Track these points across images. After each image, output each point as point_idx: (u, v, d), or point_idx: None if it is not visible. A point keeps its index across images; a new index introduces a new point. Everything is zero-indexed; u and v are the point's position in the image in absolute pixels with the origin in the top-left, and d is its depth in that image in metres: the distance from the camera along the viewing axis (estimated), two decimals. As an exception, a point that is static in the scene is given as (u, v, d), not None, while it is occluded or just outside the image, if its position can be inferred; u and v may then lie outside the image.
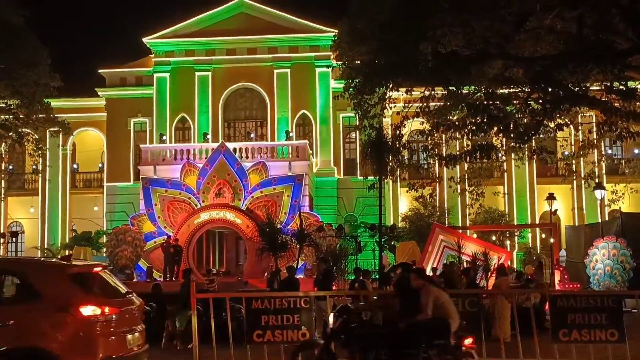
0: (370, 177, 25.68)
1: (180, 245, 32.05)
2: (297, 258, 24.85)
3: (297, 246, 25.14)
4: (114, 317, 9.31)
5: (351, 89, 24.55)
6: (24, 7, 26.81)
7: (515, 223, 39.86)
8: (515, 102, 19.79)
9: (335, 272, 22.44)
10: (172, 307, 17.83)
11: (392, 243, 32.73)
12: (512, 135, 19.82)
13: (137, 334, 9.84)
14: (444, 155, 26.16)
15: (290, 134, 39.92)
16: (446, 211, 39.39)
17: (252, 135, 41.49)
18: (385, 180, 26.59)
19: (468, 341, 10.11)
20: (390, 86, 24.50)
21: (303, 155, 36.93)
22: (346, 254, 25.65)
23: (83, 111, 42.53)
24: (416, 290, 10.10)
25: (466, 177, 27.51)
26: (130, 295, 10.25)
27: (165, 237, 32.93)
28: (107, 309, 9.23)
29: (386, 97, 25.06)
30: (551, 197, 32.37)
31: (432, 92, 23.85)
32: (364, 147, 25.90)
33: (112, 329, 9.29)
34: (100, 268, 10.24)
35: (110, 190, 42.28)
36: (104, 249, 36.38)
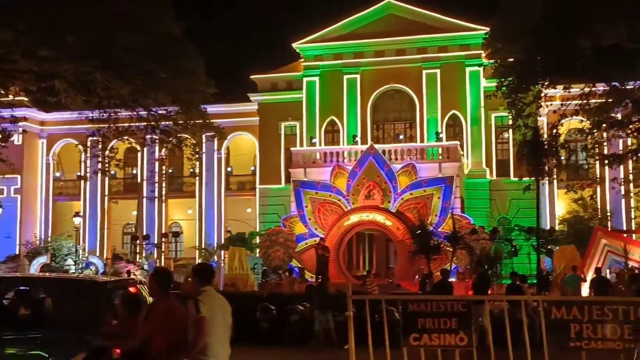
0: (526, 178, 24.83)
1: (327, 246, 32.32)
2: (450, 261, 24.38)
3: (450, 249, 24.69)
4: None
5: (504, 88, 23.97)
6: (182, 19, 28.04)
7: (689, 226, 37.03)
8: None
9: (490, 276, 21.79)
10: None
11: (549, 247, 31.38)
12: (684, 132, 18.50)
13: None
14: (606, 154, 24.88)
15: (440, 135, 39.34)
16: (608, 214, 37.25)
17: (400, 137, 41.24)
18: (542, 182, 25.58)
19: None
20: (546, 84, 23.66)
21: (454, 156, 36.26)
22: (501, 258, 24.91)
23: (236, 116, 43.81)
24: None
25: (631, 177, 25.99)
26: None
27: (318, 238, 33.35)
28: None
29: (542, 95, 24.21)
30: None
31: (593, 89, 22.77)
32: (518, 147, 25.09)
33: None
34: None
35: (262, 192, 43.46)
36: (258, 250, 37.44)
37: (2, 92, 24.76)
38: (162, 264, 41.87)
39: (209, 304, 7.39)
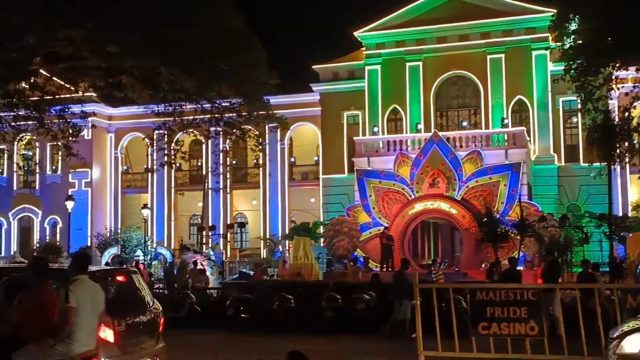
0: (597, 164, 24.20)
1: (391, 235, 32.17)
2: (518, 249, 23.90)
3: (517, 237, 24.23)
4: None
5: (572, 71, 23.39)
6: (243, 10, 28.22)
7: None
8: None
9: (560, 264, 21.27)
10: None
11: (622, 234, 30.51)
12: None
13: None
14: (682, 138, 24.05)
15: (506, 121, 38.61)
16: (685, 199, 35.99)
17: (465, 123, 40.66)
18: (613, 167, 24.87)
19: None
20: (617, 65, 23.00)
21: (520, 142, 35.54)
22: (571, 245, 24.33)
23: (299, 107, 43.84)
24: None
25: None
26: None
27: (382, 227, 33.23)
28: None
29: (613, 77, 23.55)
30: None
31: (668, 69, 21.96)
32: (588, 131, 24.44)
33: None
34: None
35: (325, 182, 43.52)
36: (322, 239, 37.53)
37: (73, 88, 25.38)
38: (228, 254, 42.44)
39: (78, 293, 7.75)
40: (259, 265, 31.31)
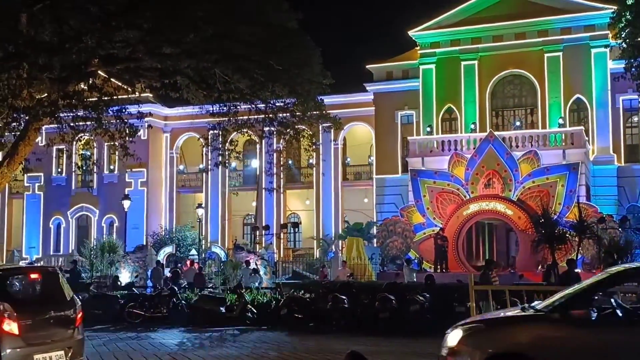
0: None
1: (446, 236, 31.88)
2: (576, 251, 23.36)
3: (576, 238, 23.68)
4: None
5: (634, 69, 22.84)
6: (297, 10, 28.23)
7: None
8: None
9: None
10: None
11: (685, 236, 29.59)
12: None
13: None
14: None
15: (561, 122, 37.86)
16: None
17: (517, 123, 39.93)
18: (676, 167, 24.14)
19: None
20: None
21: (578, 142, 34.80)
22: (632, 248, 23.66)
23: (352, 107, 43.70)
24: None
25: None
26: None
27: (436, 228, 32.95)
28: None
29: (676, 74, 22.88)
30: None
31: None
32: (650, 131, 23.74)
33: None
34: None
35: (379, 182, 43.32)
36: (375, 240, 37.36)
37: (129, 89, 25.75)
38: (281, 254, 42.58)
39: None
40: (323, 267, 31.69)
